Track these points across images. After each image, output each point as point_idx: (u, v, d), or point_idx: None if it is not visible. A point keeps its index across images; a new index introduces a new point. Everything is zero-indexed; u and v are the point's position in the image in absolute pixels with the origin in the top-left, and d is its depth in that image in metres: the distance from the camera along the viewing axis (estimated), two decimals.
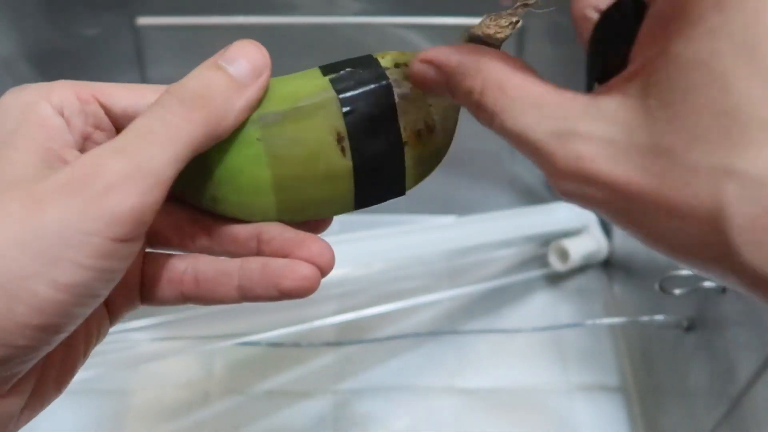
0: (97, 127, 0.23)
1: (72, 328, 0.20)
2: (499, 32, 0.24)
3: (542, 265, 0.66)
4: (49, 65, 0.58)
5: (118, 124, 0.23)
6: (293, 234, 0.24)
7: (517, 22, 0.24)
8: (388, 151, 0.24)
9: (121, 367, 0.57)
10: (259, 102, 0.23)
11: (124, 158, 0.19)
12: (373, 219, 0.68)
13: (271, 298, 0.23)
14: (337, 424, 0.56)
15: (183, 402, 0.57)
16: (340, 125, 0.23)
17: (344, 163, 0.23)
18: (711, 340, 0.46)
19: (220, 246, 0.24)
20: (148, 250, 0.25)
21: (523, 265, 0.66)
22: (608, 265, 0.66)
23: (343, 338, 0.60)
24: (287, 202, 0.24)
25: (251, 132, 0.23)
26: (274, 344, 0.56)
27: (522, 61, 0.20)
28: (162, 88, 0.23)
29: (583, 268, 0.66)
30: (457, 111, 0.25)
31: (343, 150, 0.23)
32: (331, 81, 0.24)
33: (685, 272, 0.47)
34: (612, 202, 0.17)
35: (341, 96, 0.23)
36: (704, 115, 0.15)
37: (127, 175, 0.19)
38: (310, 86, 0.24)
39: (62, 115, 0.22)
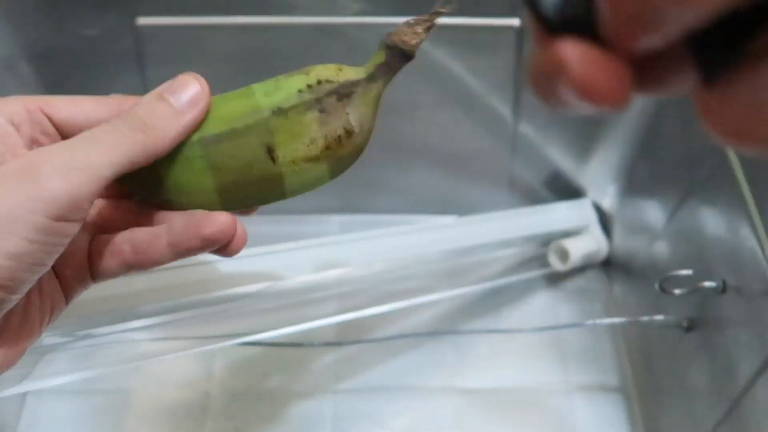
0: (44, 133, 0.28)
1: (23, 289, 0.24)
2: (414, 38, 0.29)
3: (542, 265, 0.66)
4: (49, 65, 0.58)
5: (61, 131, 0.28)
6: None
7: (431, 27, 0.29)
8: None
9: (121, 367, 0.57)
10: (198, 125, 0.27)
11: (67, 153, 0.24)
12: (373, 219, 0.68)
13: (195, 247, 0.27)
14: (337, 424, 0.56)
15: (183, 402, 0.57)
16: (270, 140, 0.28)
17: (275, 169, 0.28)
18: (711, 340, 0.46)
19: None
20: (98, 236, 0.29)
21: (523, 265, 0.66)
22: (608, 265, 0.66)
23: (343, 338, 0.60)
24: (230, 200, 0.29)
25: (195, 151, 0.28)
26: (274, 344, 0.56)
27: None
28: (100, 99, 0.28)
29: (583, 268, 0.66)
30: (373, 113, 0.29)
31: (273, 160, 0.28)
32: (260, 96, 0.28)
33: (685, 272, 0.47)
34: None
35: (268, 116, 0.28)
36: None
37: (68, 167, 0.23)
38: (243, 106, 0.28)
39: (12, 123, 0.26)
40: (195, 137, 0.28)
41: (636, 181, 0.62)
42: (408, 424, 0.56)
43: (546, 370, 0.59)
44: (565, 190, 0.67)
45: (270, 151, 0.28)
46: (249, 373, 0.59)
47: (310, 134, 0.28)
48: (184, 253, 0.27)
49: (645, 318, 0.53)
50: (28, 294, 0.27)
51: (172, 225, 0.27)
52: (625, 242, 0.63)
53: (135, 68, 0.58)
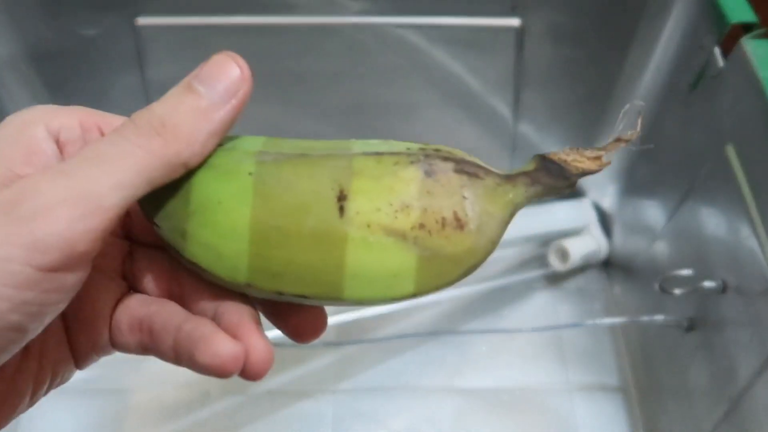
0: None
1: None
2: (578, 161, 0.22)
3: (542, 265, 0.66)
4: (49, 65, 0.58)
5: None
6: (250, 324, 0.21)
7: (605, 156, 0.22)
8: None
9: (121, 367, 0.57)
10: (232, 124, 0.20)
11: (61, 180, 0.17)
12: None
13: (191, 368, 0.20)
14: (337, 424, 0.56)
15: (183, 402, 0.57)
16: (346, 182, 0.20)
17: (338, 226, 0.20)
18: (711, 340, 0.46)
19: (185, 305, 0.22)
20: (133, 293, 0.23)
21: (523, 265, 0.66)
22: (608, 265, 0.66)
23: (343, 338, 0.60)
24: (262, 258, 0.20)
25: (245, 165, 0.20)
26: (274, 344, 0.56)
27: None
28: None
29: (583, 268, 0.66)
30: (501, 221, 0.22)
31: (341, 210, 0.20)
32: (357, 144, 0.21)
33: (685, 272, 0.47)
34: None
35: (356, 153, 0.21)
36: None
37: (60, 199, 0.17)
38: (332, 144, 0.21)
39: (57, 139, 0.21)
40: (252, 148, 0.21)
41: (636, 181, 0.62)
42: (408, 424, 0.56)
43: (546, 370, 0.59)
44: None
45: (341, 197, 0.20)
46: None
47: (404, 196, 0.20)
48: (185, 365, 0.20)
49: (645, 318, 0.53)
50: (19, 358, 0.21)
51: (184, 326, 0.20)
52: (625, 242, 0.63)
53: (135, 68, 0.58)
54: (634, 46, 0.55)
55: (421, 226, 0.20)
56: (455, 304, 0.63)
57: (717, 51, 0.46)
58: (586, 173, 0.22)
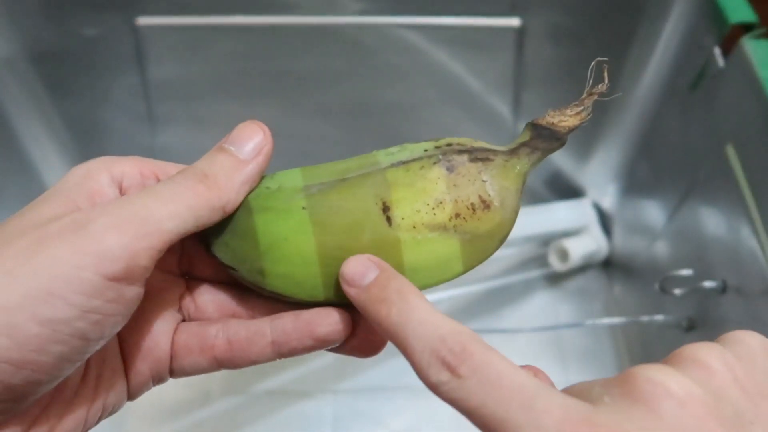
0: None
1: (56, 371, 0.20)
2: (564, 121, 0.25)
3: (542, 265, 0.66)
4: (49, 65, 0.58)
5: None
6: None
7: (584, 110, 0.25)
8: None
9: None
10: (260, 175, 0.24)
11: (126, 205, 0.21)
12: None
13: (306, 348, 0.24)
14: (337, 424, 0.56)
15: (183, 402, 0.57)
16: (386, 194, 0.23)
17: (390, 233, 0.23)
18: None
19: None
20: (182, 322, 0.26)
21: (523, 265, 0.66)
22: (608, 265, 0.66)
23: None
24: (334, 275, 0.23)
25: (296, 201, 0.23)
26: None
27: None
28: None
29: (583, 268, 0.66)
30: (516, 192, 0.25)
31: (389, 220, 0.23)
32: (381, 156, 0.24)
33: (685, 272, 0.47)
34: None
35: (386, 166, 0.24)
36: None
37: (124, 219, 0.20)
38: (361, 161, 0.24)
39: (120, 185, 0.24)
40: (299, 184, 0.24)
41: (636, 181, 0.62)
42: (408, 424, 0.56)
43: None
44: (565, 190, 0.67)
45: (385, 209, 0.23)
46: (249, 373, 0.59)
47: (436, 194, 0.23)
48: (287, 353, 0.24)
49: (645, 318, 0.53)
50: (78, 382, 0.23)
51: (277, 323, 0.24)
52: (625, 242, 0.63)
53: (135, 68, 0.58)
54: (634, 46, 0.55)
55: (457, 215, 0.23)
56: (455, 304, 0.63)
57: (717, 51, 0.46)
58: (572, 129, 0.25)
